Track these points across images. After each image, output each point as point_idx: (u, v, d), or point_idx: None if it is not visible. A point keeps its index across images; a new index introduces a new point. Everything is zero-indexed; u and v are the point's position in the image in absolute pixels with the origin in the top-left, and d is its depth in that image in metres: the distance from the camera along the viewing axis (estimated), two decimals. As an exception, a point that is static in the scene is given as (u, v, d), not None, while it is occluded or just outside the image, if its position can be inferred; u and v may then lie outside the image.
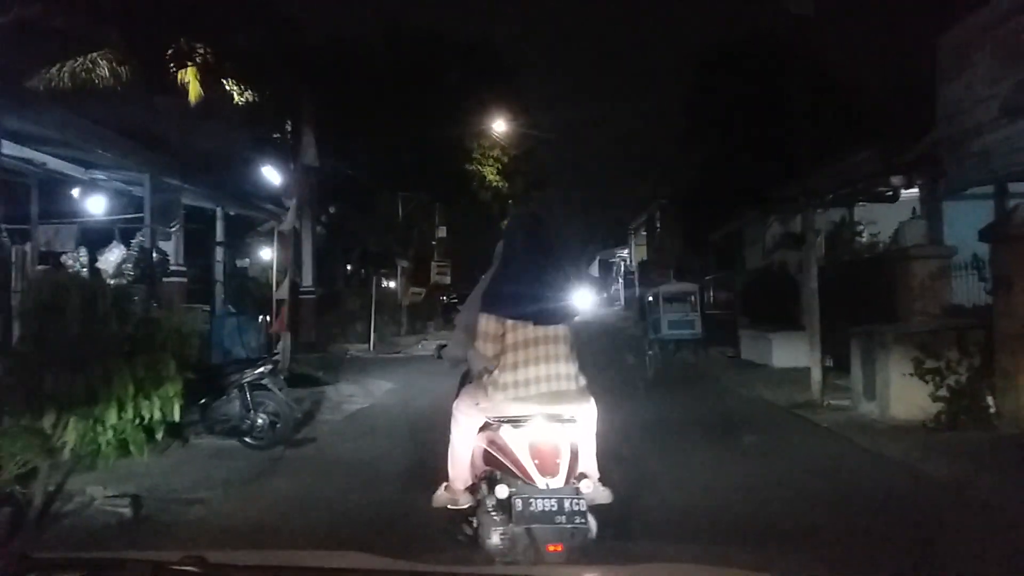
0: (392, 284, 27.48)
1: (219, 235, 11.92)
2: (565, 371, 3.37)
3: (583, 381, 3.46)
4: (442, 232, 28.20)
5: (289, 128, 21.24)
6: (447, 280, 28.04)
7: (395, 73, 22.93)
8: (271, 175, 16.96)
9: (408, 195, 24.21)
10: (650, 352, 12.15)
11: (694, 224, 22.92)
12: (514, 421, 3.28)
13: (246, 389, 7.00)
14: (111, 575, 1.72)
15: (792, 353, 12.71)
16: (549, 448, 3.18)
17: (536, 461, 3.14)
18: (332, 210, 22.62)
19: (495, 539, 3.18)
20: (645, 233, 36.74)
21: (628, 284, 40.84)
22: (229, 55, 19.75)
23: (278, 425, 7.15)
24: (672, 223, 28.67)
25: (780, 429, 8.16)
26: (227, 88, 19.98)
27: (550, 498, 3.06)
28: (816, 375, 9.19)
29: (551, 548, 3.04)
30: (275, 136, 21.29)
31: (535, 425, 3.24)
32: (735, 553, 3.90)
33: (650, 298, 12.57)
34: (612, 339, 21.25)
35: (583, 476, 3.25)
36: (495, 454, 3.30)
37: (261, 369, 7.09)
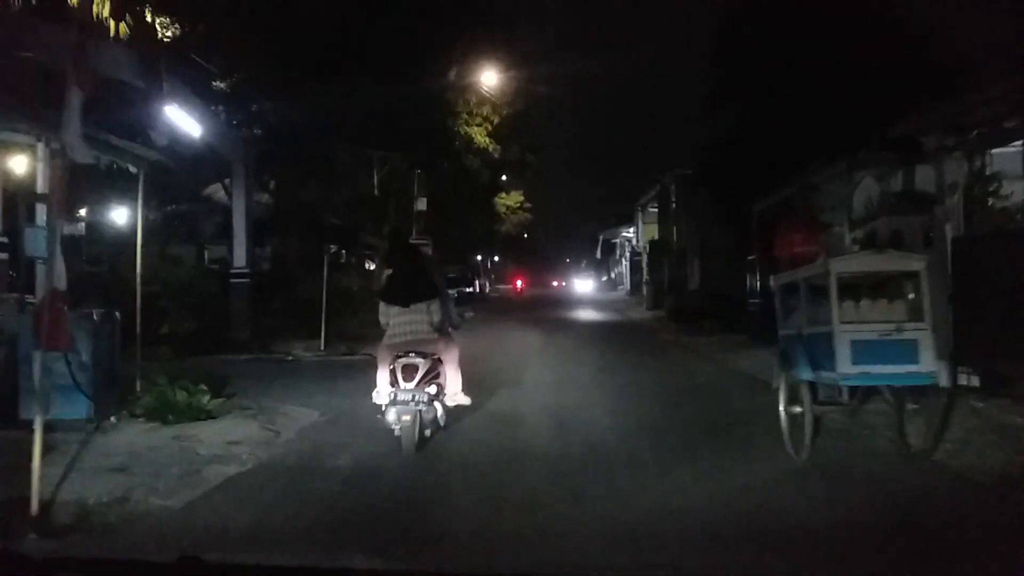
0: (373, 266, 23.54)
1: (40, 185, 7.66)
2: (425, 328, 6.47)
3: (439, 333, 6.58)
4: (422, 204, 23.94)
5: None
6: (428, 261, 23.90)
7: (359, 7, 18.57)
8: (190, 125, 12.73)
9: (380, 155, 19.91)
10: (797, 409, 5.70)
11: (725, 193, 18.75)
12: (399, 355, 6.36)
13: None
14: (111, 575, 1.88)
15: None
16: (410, 368, 6.21)
17: (403, 375, 6.18)
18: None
19: (390, 416, 6.06)
20: (656, 209, 32.52)
21: (635, 266, 36.74)
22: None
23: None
24: (692, 195, 24.49)
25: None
26: (147, 20, 15.84)
27: (408, 393, 6.06)
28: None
29: (404, 417, 5.98)
30: (216, 83, 17.07)
31: (406, 357, 6.31)
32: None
33: (791, 284, 6.24)
34: (641, 350, 17.12)
35: (436, 384, 6.43)
36: (391, 372, 6.30)
37: None
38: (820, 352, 5.53)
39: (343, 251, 28.31)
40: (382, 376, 6.37)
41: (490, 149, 24.06)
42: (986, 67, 11.49)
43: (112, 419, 7.07)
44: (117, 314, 7.24)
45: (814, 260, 5.88)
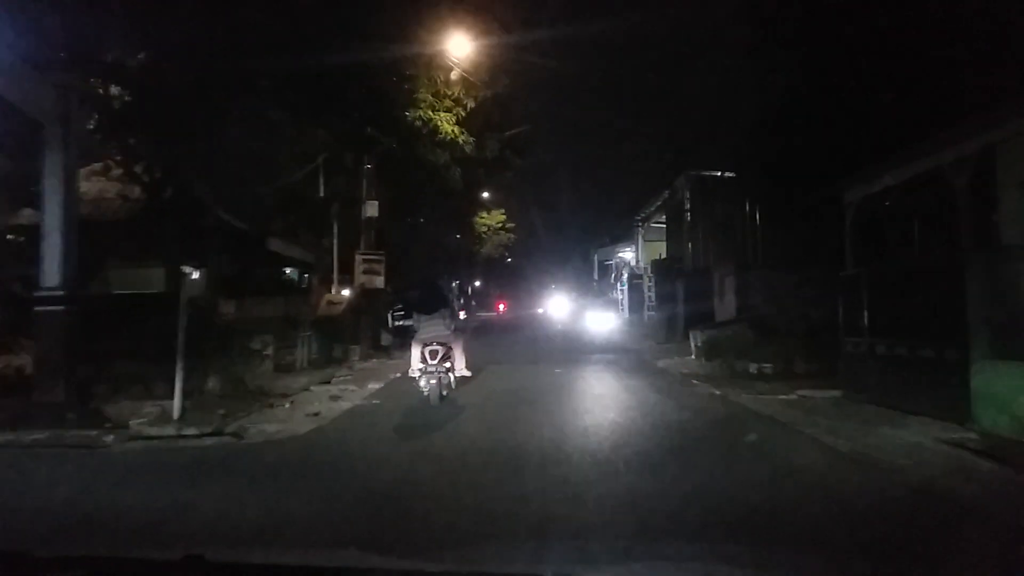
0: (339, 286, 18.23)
1: None
2: (441, 327, 10.09)
3: (450, 331, 10.24)
4: (372, 210, 18.65)
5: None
6: (379, 281, 18.46)
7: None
8: None
9: (316, 132, 14.61)
10: None
11: (786, 186, 13.67)
12: (425, 345, 9.82)
13: None
14: (111, 575, 1.91)
15: None
16: (434, 352, 9.71)
17: (429, 356, 9.70)
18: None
19: (422, 382, 9.69)
20: (663, 224, 27.45)
21: (634, 290, 31.53)
22: None
23: None
24: (718, 199, 19.40)
25: None
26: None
27: (433, 367, 9.64)
28: None
29: (431, 381, 9.59)
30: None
31: (431, 346, 9.78)
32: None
33: None
34: (687, 417, 11.75)
35: (449, 361, 9.85)
36: (421, 354, 9.80)
37: None
38: None
39: (305, 273, 22.89)
40: (415, 357, 9.86)
41: (460, 140, 18.81)
42: None
43: None
44: None
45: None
